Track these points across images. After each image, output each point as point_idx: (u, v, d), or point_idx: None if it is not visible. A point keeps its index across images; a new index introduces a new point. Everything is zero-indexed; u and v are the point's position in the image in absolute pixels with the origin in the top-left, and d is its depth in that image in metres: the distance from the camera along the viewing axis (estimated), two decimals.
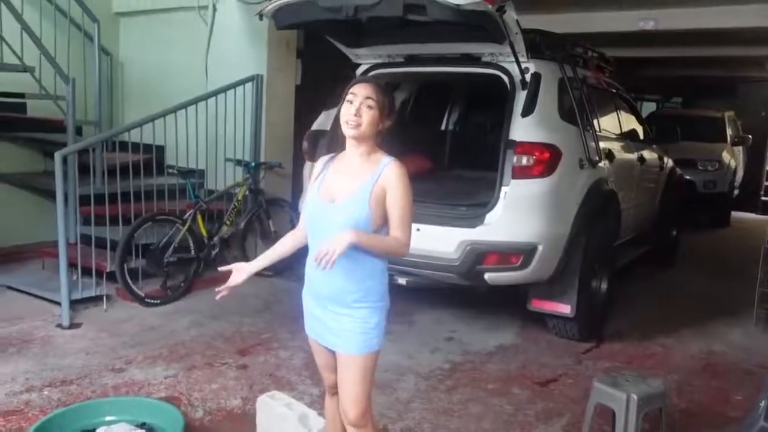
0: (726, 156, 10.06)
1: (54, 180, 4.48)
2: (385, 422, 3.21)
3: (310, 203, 2.33)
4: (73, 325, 4.43)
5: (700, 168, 9.62)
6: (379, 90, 2.22)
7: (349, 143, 2.27)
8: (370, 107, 2.19)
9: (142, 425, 2.98)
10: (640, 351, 4.51)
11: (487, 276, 4.05)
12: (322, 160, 2.40)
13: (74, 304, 4.58)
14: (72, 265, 4.65)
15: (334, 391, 2.44)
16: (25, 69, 5.09)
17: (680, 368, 4.23)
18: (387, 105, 2.24)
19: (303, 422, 2.88)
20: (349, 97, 2.22)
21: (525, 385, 3.84)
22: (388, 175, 2.20)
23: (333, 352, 2.34)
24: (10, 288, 5.03)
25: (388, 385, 3.70)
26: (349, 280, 2.22)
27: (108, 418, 3.01)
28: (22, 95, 5.57)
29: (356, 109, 2.18)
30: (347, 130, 2.21)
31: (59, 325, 4.42)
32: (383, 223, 2.22)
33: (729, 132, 10.63)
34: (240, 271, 2.46)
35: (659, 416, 3.08)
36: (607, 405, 3.00)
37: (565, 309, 4.32)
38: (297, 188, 5.49)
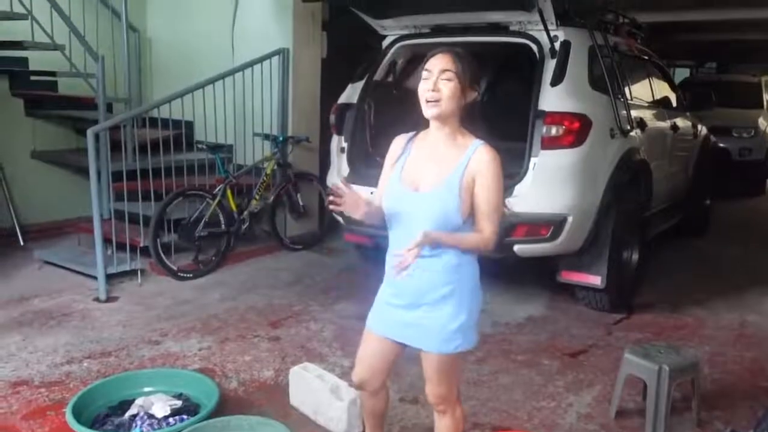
0: (762, 122, 9.80)
1: (87, 157, 4.55)
2: (415, 393, 3.25)
3: (390, 191, 2.13)
4: (109, 299, 4.54)
5: (735, 135, 9.39)
6: (458, 59, 2.02)
7: (433, 124, 2.08)
8: (449, 80, 1.99)
9: (179, 396, 3.05)
10: (672, 322, 4.47)
11: (516, 248, 4.03)
12: (402, 139, 2.20)
13: (110, 278, 4.69)
14: (107, 240, 4.75)
15: (363, 386, 2.36)
16: (56, 47, 5.16)
17: (712, 339, 4.19)
18: (470, 74, 2.03)
19: (335, 393, 2.93)
20: (424, 74, 2.04)
21: (555, 357, 3.84)
22: (479, 159, 2.02)
23: (390, 351, 2.26)
24: (47, 263, 5.15)
25: (419, 356, 3.72)
26: (434, 274, 2.08)
27: (146, 389, 3.08)
28: (53, 73, 5.64)
29: (433, 83, 2.00)
30: (427, 110, 2.03)
31: (96, 299, 4.53)
32: (470, 213, 2.06)
33: (766, 98, 10.34)
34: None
35: (691, 387, 3.07)
36: (639, 376, 2.99)
37: (595, 280, 4.29)
38: (325, 162, 5.50)
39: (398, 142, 2.22)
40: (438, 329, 2.11)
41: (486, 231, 2.05)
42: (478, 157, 2.04)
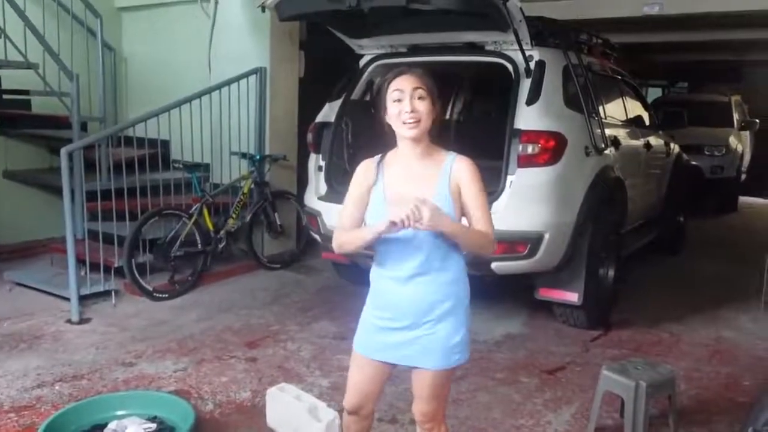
0: (733, 141, 9.99)
1: (60, 176, 4.49)
2: (394, 412, 3.23)
3: (381, 214, 2.01)
4: (82, 321, 4.46)
5: (707, 153, 9.56)
6: (425, 76, 2.04)
7: (405, 144, 2.07)
8: (422, 98, 2.00)
9: (153, 419, 2.99)
10: (648, 338, 4.50)
11: (493, 265, 4.04)
12: (370, 164, 2.15)
13: (83, 299, 4.61)
14: (80, 260, 4.68)
15: (356, 412, 2.30)
16: (29, 66, 5.10)
17: (689, 355, 4.22)
18: (435, 90, 2.04)
19: (313, 413, 2.90)
20: (394, 95, 2.02)
21: (533, 374, 3.84)
22: (459, 168, 2.04)
23: (382, 373, 2.23)
24: (19, 284, 5.06)
25: (397, 375, 3.69)
26: (434, 291, 2.06)
27: (119, 413, 3.03)
28: (26, 92, 5.58)
29: (410, 103, 1.99)
30: (406, 131, 2.01)
31: (69, 321, 4.44)
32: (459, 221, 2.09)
33: (736, 116, 10.56)
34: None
35: (668, 403, 3.09)
36: (616, 393, 3.00)
37: (573, 297, 4.32)
38: (302, 180, 5.49)
39: (367, 167, 2.15)
40: (440, 345, 2.09)
41: (487, 229, 2.07)
42: (458, 166, 2.05)
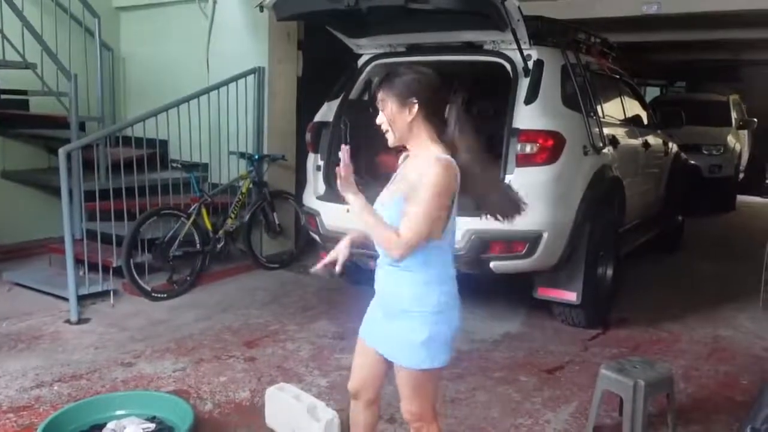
0: (731, 140, 10.01)
1: (59, 176, 4.49)
2: (392, 411, 3.22)
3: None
4: (81, 321, 4.45)
5: (705, 152, 9.58)
6: (385, 83, 2.07)
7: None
8: (383, 108, 2.07)
9: (152, 419, 2.99)
10: (647, 337, 4.51)
11: (492, 264, 4.05)
12: (401, 158, 2.24)
13: (81, 299, 4.60)
14: (78, 260, 4.68)
15: (357, 396, 2.37)
16: (27, 66, 5.10)
17: (687, 353, 4.23)
18: (398, 90, 2.03)
19: (312, 413, 2.90)
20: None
21: (532, 373, 3.84)
22: (423, 172, 1.97)
23: (377, 361, 2.24)
24: (17, 284, 5.05)
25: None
26: (399, 285, 2.07)
27: (118, 412, 3.02)
28: (24, 92, 5.58)
29: (379, 119, 2.09)
30: (388, 142, 2.11)
31: (67, 321, 4.44)
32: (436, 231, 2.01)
33: (734, 115, 10.58)
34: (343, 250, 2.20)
35: (667, 402, 3.09)
36: (615, 391, 3.01)
37: (571, 296, 4.32)
38: (301, 180, 5.49)
39: (400, 161, 2.25)
40: (402, 342, 2.10)
41: (401, 233, 1.95)
42: (424, 169, 1.97)
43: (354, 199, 1.99)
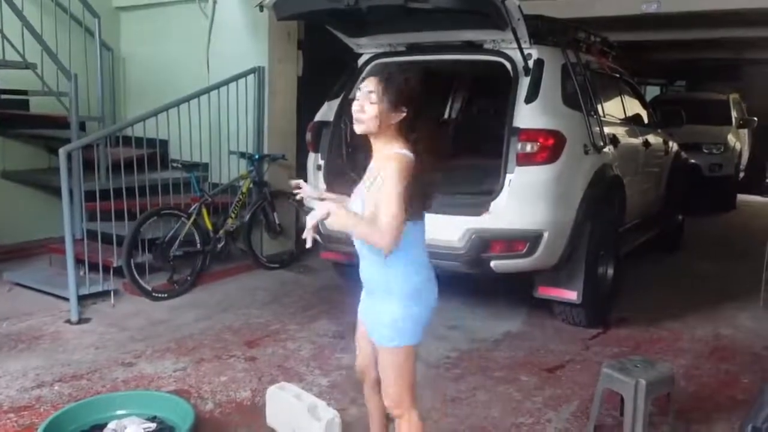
0: (731, 139, 10.00)
1: (59, 176, 4.49)
2: None
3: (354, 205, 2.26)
4: (81, 321, 4.45)
5: (705, 151, 9.57)
6: (382, 82, 2.15)
7: (369, 137, 2.21)
8: (372, 102, 2.14)
9: (152, 419, 2.99)
10: (648, 336, 4.51)
11: (492, 264, 4.04)
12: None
13: (82, 299, 4.60)
14: (79, 260, 4.68)
15: (362, 376, 2.53)
16: (27, 66, 5.09)
17: (688, 352, 4.23)
18: (395, 95, 2.13)
19: (312, 413, 2.90)
20: (357, 93, 2.20)
21: (533, 372, 3.84)
22: (385, 167, 2.08)
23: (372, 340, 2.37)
24: (17, 285, 5.05)
25: None
26: (378, 270, 2.23)
27: (119, 412, 3.02)
28: (24, 92, 5.58)
29: (359, 104, 2.16)
30: (354, 126, 2.18)
31: (68, 321, 4.44)
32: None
33: (734, 114, 10.57)
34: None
35: (668, 401, 3.09)
36: (616, 390, 3.01)
37: (572, 295, 4.32)
38: (301, 180, 5.48)
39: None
40: (381, 322, 2.25)
41: (381, 221, 2.04)
42: (388, 162, 2.09)
43: (329, 214, 2.00)
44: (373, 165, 2.25)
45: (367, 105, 2.14)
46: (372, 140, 2.21)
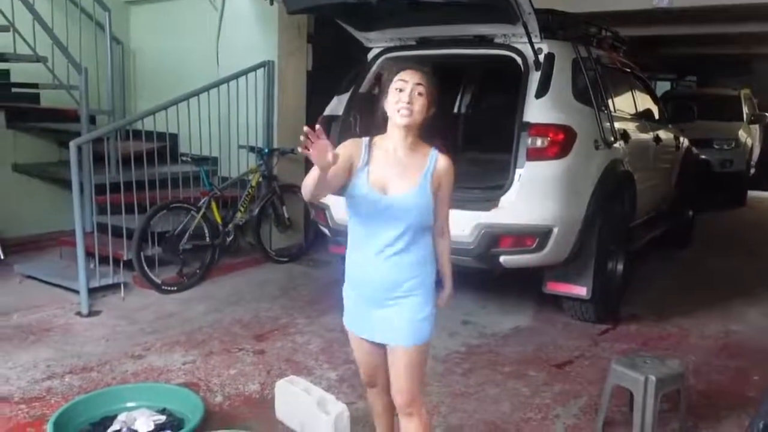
0: (742, 134, 9.93)
1: (69, 169, 4.51)
2: None
3: (361, 195, 2.17)
4: (91, 313, 4.48)
5: (716, 147, 9.50)
6: (428, 77, 2.17)
7: (396, 132, 2.19)
8: (420, 94, 2.13)
9: (162, 411, 3.00)
10: (657, 332, 4.49)
11: (502, 259, 4.04)
12: (359, 143, 2.25)
13: (92, 292, 4.63)
14: (89, 253, 4.70)
15: (373, 384, 2.47)
16: (38, 59, 5.12)
17: (698, 349, 4.21)
18: (434, 92, 2.18)
19: (321, 406, 2.90)
20: (398, 84, 2.15)
21: (541, 368, 3.84)
22: (442, 166, 2.21)
23: (376, 347, 2.31)
24: (28, 277, 5.08)
25: None
26: (401, 270, 2.18)
27: (129, 404, 3.04)
28: (35, 86, 5.60)
29: (408, 96, 2.12)
30: (399, 118, 2.14)
31: (78, 313, 4.47)
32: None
33: (745, 110, 10.49)
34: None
35: (677, 397, 3.07)
36: (625, 387, 3.00)
37: (581, 291, 4.30)
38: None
39: (356, 145, 2.24)
40: (408, 321, 2.20)
41: (449, 233, 2.33)
42: (442, 164, 2.22)
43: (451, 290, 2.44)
44: (401, 155, 2.19)
45: (416, 96, 2.13)
46: (402, 135, 2.18)
